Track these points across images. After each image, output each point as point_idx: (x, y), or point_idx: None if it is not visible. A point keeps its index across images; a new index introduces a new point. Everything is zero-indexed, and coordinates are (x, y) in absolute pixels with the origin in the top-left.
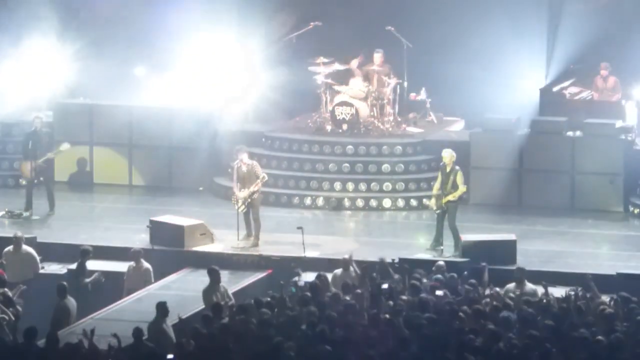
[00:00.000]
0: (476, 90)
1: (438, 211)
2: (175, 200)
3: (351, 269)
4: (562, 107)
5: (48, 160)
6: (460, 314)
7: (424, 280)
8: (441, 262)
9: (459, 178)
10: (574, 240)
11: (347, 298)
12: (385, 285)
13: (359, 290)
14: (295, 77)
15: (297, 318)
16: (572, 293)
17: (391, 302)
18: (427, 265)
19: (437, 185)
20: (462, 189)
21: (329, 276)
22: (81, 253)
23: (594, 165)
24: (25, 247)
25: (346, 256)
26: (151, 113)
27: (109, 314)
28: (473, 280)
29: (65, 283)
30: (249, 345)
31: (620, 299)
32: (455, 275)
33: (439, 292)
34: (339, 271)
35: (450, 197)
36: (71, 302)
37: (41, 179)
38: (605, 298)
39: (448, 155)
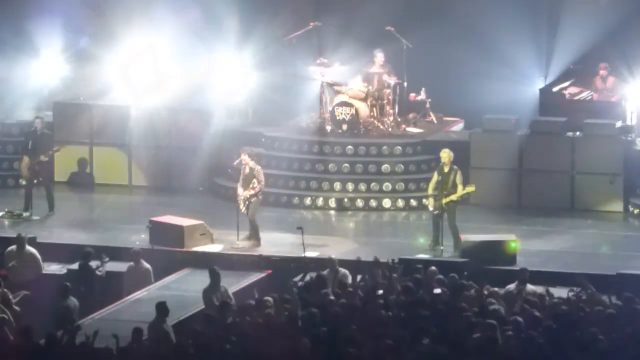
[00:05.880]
0: (476, 90)
1: (436, 212)
2: (175, 200)
3: (341, 271)
4: (562, 107)
5: (42, 162)
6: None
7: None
8: (434, 267)
9: (459, 178)
10: (574, 240)
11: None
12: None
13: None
14: (295, 77)
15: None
16: (572, 294)
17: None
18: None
19: (432, 185)
20: (470, 188)
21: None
22: (83, 255)
23: (594, 165)
24: (29, 248)
25: (333, 256)
26: (151, 113)
27: (109, 314)
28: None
29: (68, 284)
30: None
31: (622, 300)
32: (456, 275)
33: (436, 290)
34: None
35: (454, 197)
36: (73, 301)
37: (40, 179)
38: (605, 298)
39: (447, 155)
